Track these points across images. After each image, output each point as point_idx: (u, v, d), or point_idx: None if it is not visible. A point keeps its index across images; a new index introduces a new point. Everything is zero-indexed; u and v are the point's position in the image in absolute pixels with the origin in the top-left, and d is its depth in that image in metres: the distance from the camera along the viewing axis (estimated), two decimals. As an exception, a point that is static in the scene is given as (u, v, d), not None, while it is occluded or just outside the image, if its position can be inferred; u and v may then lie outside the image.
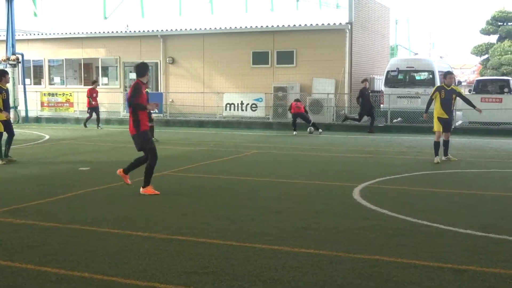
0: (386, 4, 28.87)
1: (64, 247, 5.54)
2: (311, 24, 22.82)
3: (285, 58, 22.98)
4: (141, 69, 8.42)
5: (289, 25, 23.14)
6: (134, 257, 5.22)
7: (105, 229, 6.22)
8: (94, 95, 20.80)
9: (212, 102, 23.29)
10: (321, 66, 22.32)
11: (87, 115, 21.40)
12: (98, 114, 21.03)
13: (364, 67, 24.13)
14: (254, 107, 22.54)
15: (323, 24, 22.66)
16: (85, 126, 21.01)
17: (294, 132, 18.57)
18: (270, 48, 23.24)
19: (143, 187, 8.27)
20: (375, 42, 25.97)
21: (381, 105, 21.21)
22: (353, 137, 18.11)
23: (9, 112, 11.65)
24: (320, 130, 18.66)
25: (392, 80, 21.19)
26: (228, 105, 22.89)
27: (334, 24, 22.42)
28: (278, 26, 23.31)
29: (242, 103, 22.65)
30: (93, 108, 20.90)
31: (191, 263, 5.03)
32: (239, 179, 9.90)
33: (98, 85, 22.74)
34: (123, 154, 13.47)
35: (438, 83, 20.39)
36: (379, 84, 23.33)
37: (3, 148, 11.48)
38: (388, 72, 21.43)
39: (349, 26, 22.07)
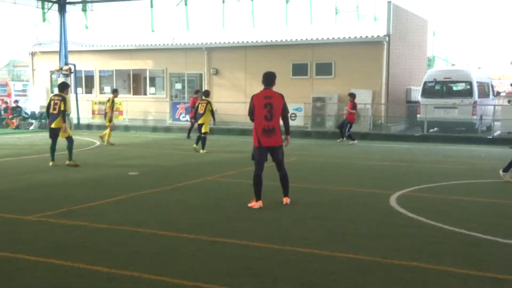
0: (424, 16, 28.42)
1: (114, 248, 5.63)
2: (349, 37, 22.67)
3: (324, 69, 22.87)
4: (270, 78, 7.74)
5: (328, 38, 23.03)
6: (180, 258, 5.29)
7: (153, 231, 6.29)
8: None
9: (253, 112, 23.29)
10: (358, 77, 22.09)
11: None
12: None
13: (401, 78, 23.77)
14: (293, 117, 22.48)
15: (361, 36, 22.48)
16: (188, 137, 19.82)
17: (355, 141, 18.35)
18: (309, 60, 23.19)
19: None
20: (413, 53, 25.54)
21: (418, 115, 20.85)
22: (389, 146, 17.84)
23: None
24: (343, 139, 18.65)
25: (429, 91, 20.78)
26: (268, 114, 22.86)
27: (372, 36, 22.21)
28: (317, 38, 23.23)
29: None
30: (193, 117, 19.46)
31: (234, 264, 5.06)
32: (279, 185, 9.86)
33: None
34: (169, 160, 13.70)
35: (476, 94, 19.93)
36: (416, 94, 22.93)
37: (55, 152, 12.05)
38: (425, 82, 21.04)
39: (387, 38, 21.80)
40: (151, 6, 30.69)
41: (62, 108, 11.63)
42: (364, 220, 6.98)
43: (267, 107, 7.45)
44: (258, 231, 6.34)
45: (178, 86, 26.12)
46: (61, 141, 12.14)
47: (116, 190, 9.00)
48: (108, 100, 17.42)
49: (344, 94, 22.15)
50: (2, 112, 25.92)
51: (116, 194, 8.63)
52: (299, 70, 23.24)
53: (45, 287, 4.43)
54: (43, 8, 27.22)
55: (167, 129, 23.86)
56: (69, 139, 12.02)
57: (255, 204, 7.62)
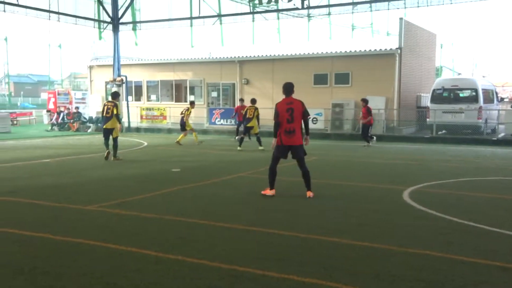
0: (433, 30, 27.84)
1: (161, 234, 5.68)
2: (365, 50, 22.38)
3: (342, 79, 22.68)
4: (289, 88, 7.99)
5: (345, 51, 22.79)
6: (217, 244, 5.29)
7: (194, 220, 6.33)
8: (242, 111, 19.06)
9: (279, 116, 23.28)
10: (373, 86, 21.80)
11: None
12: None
13: (412, 86, 23.34)
14: (315, 121, 22.36)
15: (375, 49, 22.17)
16: (249, 138, 18.75)
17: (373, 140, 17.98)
18: (329, 71, 23.00)
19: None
20: (422, 64, 25.04)
21: (427, 119, 20.43)
22: (401, 146, 17.52)
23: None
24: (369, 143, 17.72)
25: (437, 97, 20.34)
26: (292, 119, 22.87)
27: (385, 49, 21.86)
28: (336, 52, 23.01)
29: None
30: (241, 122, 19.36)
31: (264, 250, 5.04)
32: (302, 181, 9.80)
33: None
34: (206, 158, 13.76)
35: (481, 100, 19.42)
36: (426, 101, 22.48)
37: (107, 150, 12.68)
38: (434, 90, 20.61)
39: (399, 50, 21.44)
40: (191, 25, 30.97)
41: (114, 112, 12.35)
42: (379, 213, 6.86)
43: (289, 111, 7.68)
44: (285, 221, 6.30)
45: (214, 94, 26.27)
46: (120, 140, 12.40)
47: (161, 184, 9.08)
48: (188, 110, 18.00)
49: (359, 101, 21.92)
50: (65, 117, 26.52)
51: (161, 187, 8.71)
52: (320, 79, 23.11)
53: (103, 268, 4.48)
54: (99, 28, 27.78)
55: (205, 132, 24.00)
56: (115, 139, 12.58)
57: (268, 192, 7.93)
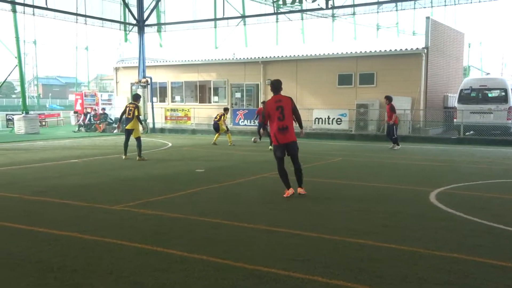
0: (461, 29, 27.28)
1: (186, 234, 5.71)
2: (390, 50, 22.10)
3: (367, 79, 22.46)
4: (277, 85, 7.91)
5: (370, 51, 22.57)
6: (241, 244, 5.31)
7: (218, 220, 6.35)
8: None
9: (303, 117, 22.88)
10: (398, 86, 21.51)
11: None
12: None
13: (439, 86, 22.93)
14: (339, 121, 22.26)
15: (401, 49, 21.87)
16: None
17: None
18: (353, 71, 22.81)
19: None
20: (450, 63, 24.57)
21: (454, 120, 20.04)
22: (427, 147, 17.23)
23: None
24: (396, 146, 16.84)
25: (465, 98, 19.93)
26: (316, 119, 22.80)
27: (412, 49, 21.55)
28: (360, 52, 22.81)
29: (328, 118, 22.46)
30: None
31: (289, 251, 5.02)
32: (326, 182, 9.77)
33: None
34: (230, 159, 13.82)
35: (511, 100, 18.94)
36: (453, 101, 22.06)
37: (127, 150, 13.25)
38: (461, 90, 20.19)
39: (425, 50, 21.10)
40: (215, 27, 31.22)
41: (136, 114, 12.82)
42: (405, 214, 6.76)
43: (279, 109, 7.65)
44: (309, 222, 6.27)
45: (238, 95, 26.37)
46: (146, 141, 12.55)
47: (186, 185, 9.15)
48: (223, 115, 18.49)
49: (384, 101, 21.66)
50: (92, 118, 27.03)
51: (186, 188, 8.79)
52: (344, 80, 22.95)
53: (130, 267, 4.54)
54: (125, 30, 28.24)
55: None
56: (138, 139, 12.99)
57: (288, 193, 7.80)
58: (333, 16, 29.96)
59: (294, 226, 6.01)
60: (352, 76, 22.79)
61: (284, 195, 7.86)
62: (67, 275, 4.31)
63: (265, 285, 4.09)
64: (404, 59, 21.64)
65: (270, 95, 27.11)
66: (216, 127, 18.49)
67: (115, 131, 25.60)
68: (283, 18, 27.44)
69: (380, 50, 22.28)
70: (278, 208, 7.23)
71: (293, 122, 7.85)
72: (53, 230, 5.78)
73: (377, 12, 25.65)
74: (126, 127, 13.05)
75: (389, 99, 16.57)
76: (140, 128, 13.27)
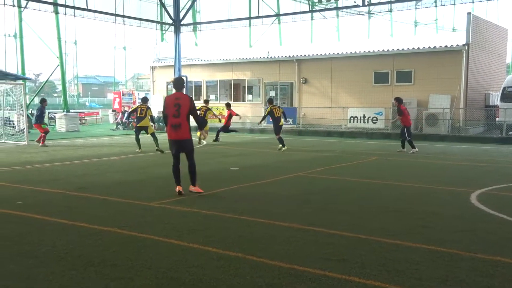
0: (504, 25, 26.33)
1: (221, 232, 5.76)
2: (429, 47, 21.57)
3: (404, 77, 22.01)
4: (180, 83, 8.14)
5: (408, 48, 22.10)
6: (276, 243, 5.31)
7: (252, 218, 6.38)
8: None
9: (338, 115, 23.05)
10: (437, 84, 20.99)
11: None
12: None
13: (480, 84, 22.21)
14: (374, 120, 21.91)
15: (440, 46, 21.31)
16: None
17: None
18: (390, 69, 22.39)
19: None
20: (492, 60, 23.74)
21: (497, 119, 19.37)
22: (467, 147, 16.72)
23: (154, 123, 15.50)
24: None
25: (508, 96, 19.24)
26: (352, 118, 22.54)
27: (451, 46, 20.95)
28: (398, 49, 22.37)
29: (364, 116, 22.15)
30: None
31: (325, 250, 4.99)
32: (362, 181, 9.65)
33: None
34: (264, 158, 13.85)
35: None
36: (495, 99, 21.33)
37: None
38: (504, 88, 19.52)
39: (466, 47, 20.47)
40: (249, 25, 31.31)
41: (149, 114, 14.62)
42: (444, 215, 6.60)
43: (176, 106, 7.74)
44: (344, 222, 6.21)
45: (272, 93, 26.36)
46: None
47: (221, 183, 9.23)
48: (208, 109, 18.52)
49: (423, 99, 21.20)
50: (129, 117, 27.63)
51: (221, 186, 8.86)
52: (381, 78, 22.57)
53: (167, 263, 4.62)
54: (162, 29, 28.75)
55: (262, 131, 24.15)
56: (153, 134, 14.77)
57: (177, 189, 7.85)
58: (369, 13, 29.53)
59: (330, 226, 5.97)
60: (388, 74, 22.39)
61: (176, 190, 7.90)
62: (107, 269, 4.44)
63: (301, 284, 4.08)
64: (443, 56, 21.09)
65: (304, 93, 27.09)
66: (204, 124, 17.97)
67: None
68: (318, 16, 27.27)
69: (418, 47, 21.78)
70: (314, 207, 7.19)
71: (188, 122, 7.90)
72: (93, 225, 5.96)
73: (415, 8, 25.06)
74: (138, 125, 14.65)
75: (398, 101, 15.19)
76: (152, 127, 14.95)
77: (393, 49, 22.48)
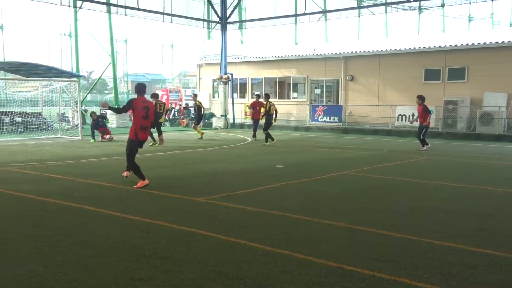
0: None
1: (267, 229, 5.77)
2: (484, 42, 20.69)
3: (457, 74, 21.22)
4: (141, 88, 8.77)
5: (461, 44, 21.28)
6: (323, 241, 5.27)
7: (298, 216, 6.35)
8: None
9: (385, 114, 22.54)
10: (493, 81, 20.09)
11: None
12: None
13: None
14: (424, 119, 21.26)
15: (496, 42, 20.38)
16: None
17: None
18: (441, 65, 21.66)
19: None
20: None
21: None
22: (526, 148, 15.92)
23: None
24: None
25: None
26: (400, 116, 21.99)
27: (509, 41, 19.99)
28: (450, 45, 21.58)
29: (413, 115, 21.45)
30: None
31: (373, 250, 4.91)
32: (412, 181, 9.40)
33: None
34: (309, 155, 13.77)
35: None
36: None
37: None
38: None
39: (524, 42, 19.50)
40: (295, 23, 31.16)
41: (167, 108, 16.09)
42: (501, 218, 6.32)
43: (145, 109, 8.49)
44: (393, 222, 6.07)
45: (317, 91, 26.17)
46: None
47: (266, 180, 9.25)
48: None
49: (476, 97, 20.36)
50: (176, 113, 28.22)
51: (266, 183, 8.88)
52: (431, 75, 21.88)
53: (215, 257, 4.68)
54: (208, 28, 29.14)
55: (307, 129, 24.04)
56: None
57: (142, 183, 8.30)
58: (420, 8, 28.65)
59: (378, 226, 5.86)
60: (440, 71, 21.67)
61: (138, 185, 8.26)
62: (158, 261, 4.56)
63: (348, 284, 4.03)
64: (500, 52, 20.17)
65: (350, 90, 26.81)
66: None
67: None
68: (366, 12, 26.75)
69: (473, 43, 20.95)
70: (360, 206, 7.08)
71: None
72: (144, 219, 6.13)
73: (470, 2, 24.06)
74: (160, 120, 15.57)
75: (421, 99, 14.86)
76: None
77: (445, 45, 21.74)
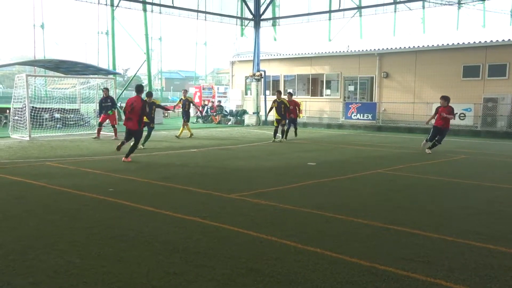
0: None
1: (299, 226, 5.75)
2: (527, 37, 19.93)
3: (497, 71, 20.50)
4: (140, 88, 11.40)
5: (503, 40, 20.54)
6: (356, 240, 5.21)
7: (331, 214, 6.31)
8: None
9: (421, 111, 22.02)
10: (536, 78, 19.35)
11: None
12: None
13: None
14: (462, 116, 20.66)
15: (540, 36, 19.59)
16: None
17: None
18: (481, 62, 20.97)
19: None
20: None
21: None
22: None
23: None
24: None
25: None
26: (436, 114, 21.45)
27: (553, 35, 19.19)
28: (491, 41, 20.87)
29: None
30: None
31: (407, 251, 4.82)
32: (448, 181, 9.16)
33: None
34: (341, 153, 13.62)
35: None
36: None
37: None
38: None
39: None
40: (329, 19, 30.85)
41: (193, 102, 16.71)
42: (543, 221, 6.07)
43: (131, 106, 11.03)
44: (429, 222, 5.94)
45: (351, 88, 25.84)
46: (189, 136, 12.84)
47: (297, 177, 9.22)
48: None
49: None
50: (209, 110, 28.48)
51: (298, 180, 8.85)
52: (470, 71, 21.22)
53: (247, 253, 4.71)
54: (241, 25, 29.24)
55: (340, 126, 23.79)
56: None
57: (129, 159, 11.22)
58: (459, 3, 27.83)
59: (413, 225, 5.74)
60: (479, 68, 20.99)
61: (124, 159, 11.11)
62: (191, 256, 4.62)
63: (382, 283, 3.97)
64: (544, 47, 19.37)
65: (384, 87, 26.31)
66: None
67: (229, 123, 26.75)
68: (402, 8, 26.23)
69: (515, 39, 20.20)
70: (394, 205, 6.96)
71: (139, 118, 11.14)
72: (177, 214, 6.22)
73: (512, -4, 23.20)
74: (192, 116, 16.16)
75: (446, 100, 13.38)
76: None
77: (485, 41, 21.03)
